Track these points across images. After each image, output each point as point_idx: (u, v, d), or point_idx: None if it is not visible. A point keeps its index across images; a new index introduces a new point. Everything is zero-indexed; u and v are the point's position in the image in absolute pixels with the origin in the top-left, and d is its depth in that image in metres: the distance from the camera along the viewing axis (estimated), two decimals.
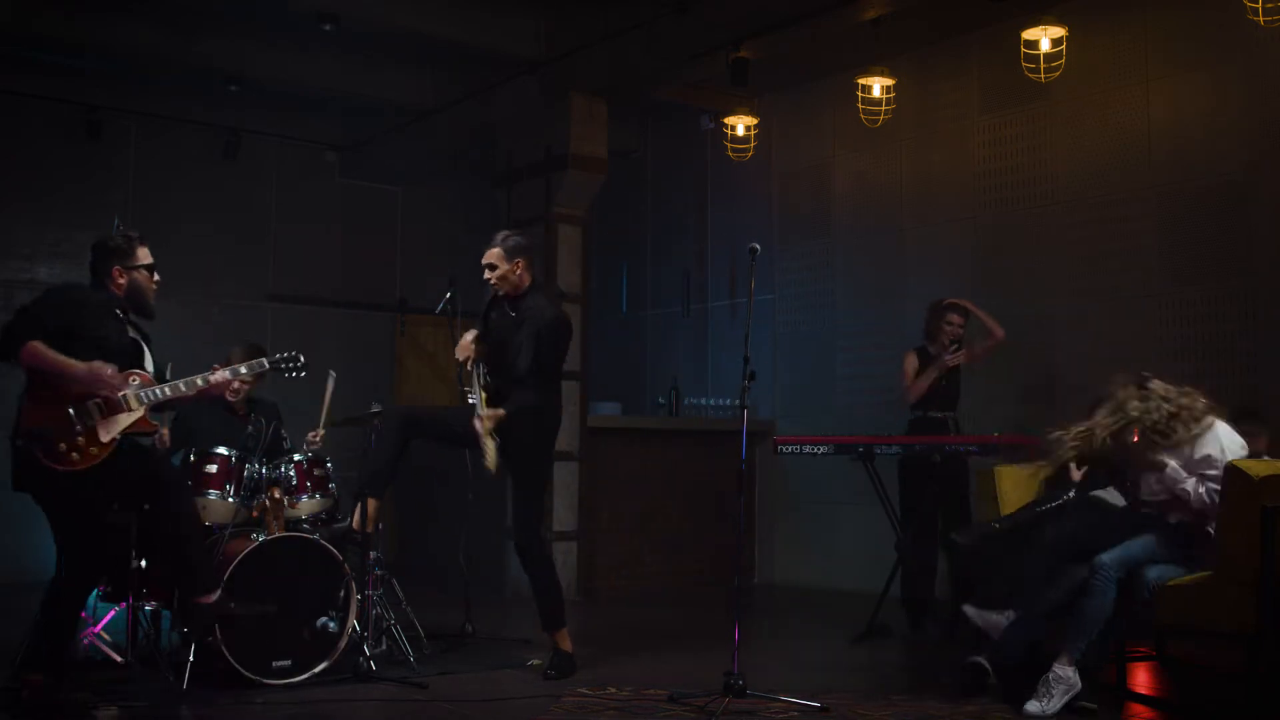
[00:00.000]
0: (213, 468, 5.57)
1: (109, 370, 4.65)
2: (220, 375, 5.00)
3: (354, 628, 5.46)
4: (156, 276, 5.11)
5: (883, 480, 6.76)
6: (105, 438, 4.64)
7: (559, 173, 8.64)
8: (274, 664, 5.20)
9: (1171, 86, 7.23)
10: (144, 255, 5.04)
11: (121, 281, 4.97)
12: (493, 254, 5.69)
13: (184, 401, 5.07)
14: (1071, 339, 7.60)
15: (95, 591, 5.70)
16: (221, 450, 5.60)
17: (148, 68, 8.97)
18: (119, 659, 5.26)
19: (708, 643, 6.27)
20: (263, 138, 10.04)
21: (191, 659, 5.04)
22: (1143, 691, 5.33)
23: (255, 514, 5.57)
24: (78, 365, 4.60)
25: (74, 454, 4.58)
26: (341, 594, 5.40)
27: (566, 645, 5.64)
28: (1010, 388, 7.76)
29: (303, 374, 5.33)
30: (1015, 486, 6.00)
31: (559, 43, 8.46)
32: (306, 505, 5.76)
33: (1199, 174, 7.06)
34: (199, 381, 4.97)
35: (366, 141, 10.26)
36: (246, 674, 5.10)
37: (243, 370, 5.22)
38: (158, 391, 4.82)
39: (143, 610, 5.42)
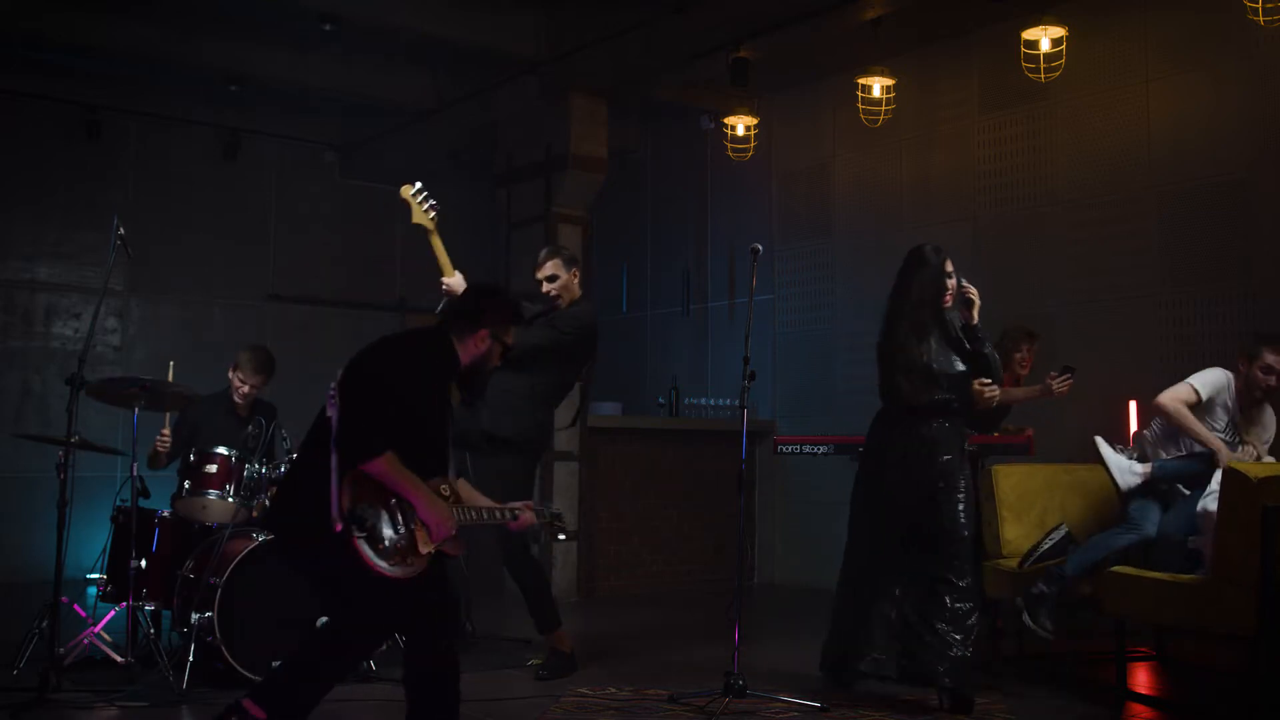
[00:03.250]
0: (213, 468, 5.56)
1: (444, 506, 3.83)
2: (527, 516, 4.13)
3: None
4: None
5: None
6: (424, 549, 3.73)
7: (559, 173, 8.65)
8: (274, 664, 5.18)
9: (1171, 86, 7.23)
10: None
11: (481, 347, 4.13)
12: (554, 264, 5.76)
13: None
14: (1071, 339, 7.60)
15: (95, 591, 5.72)
16: (221, 450, 5.60)
17: (148, 68, 8.97)
18: (119, 659, 5.25)
19: (708, 643, 6.26)
20: (263, 138, 10.04)
21: (191, 659, 5.04)
22: (1143, 691, 5.34)
23: (255, 514, 5.57)
24: (424, 496, 3.75)
25: (394, 558, 3.66)
26: None
27: (565, 646, 5.63)
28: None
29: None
30: (1014, 486, 6.00)
31: (559, 43, 8.45)
32: None
33: (1199, 174, 7.06)
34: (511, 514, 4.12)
35: (366, 141, 10.26)
36: (246, 674, 5.10)
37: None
38: (473, 513, 4.01)
39: (143, 610, 5.42)
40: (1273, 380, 5.40)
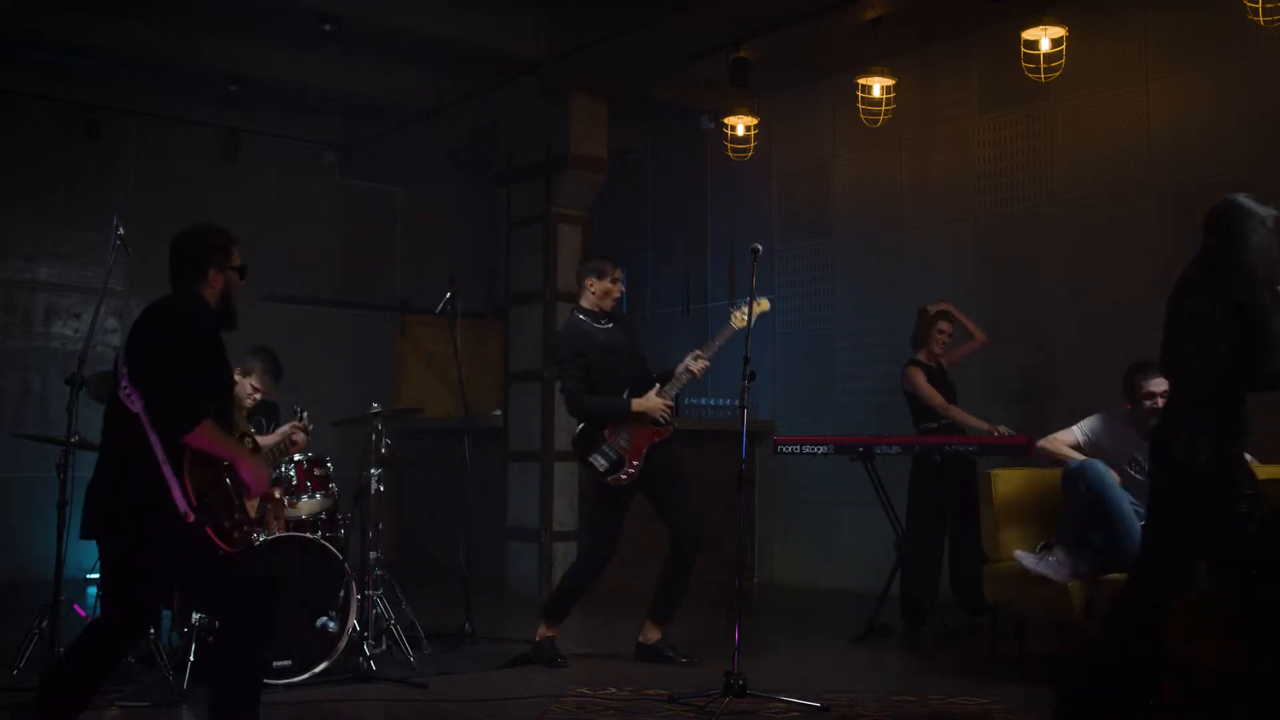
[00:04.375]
0: None
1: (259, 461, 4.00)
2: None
3: (354, 628, 5.46)
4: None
5: (882, 480, 6.76)
6: (255, 513, 4.05)
7: (559, 173, 8.65)
8: (274, 664, 5.19)
9: (1171, 86, 7.23)
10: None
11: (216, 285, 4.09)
12: (619, 272, 6.00)
13: None
14: (1071, 339, 7.60)
15: (95, 591, 5.72)
16: None
17: (148, 68, 8.97)
18: None
19: (708, 642, 6.26)
20: (263, 138, 10.05)
21: (192, 659, 5.04)
22: None
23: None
24: (244, 456, 3.92)
25: (236, 535, 3.80)
26: (341, 594, 5.40)
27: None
28: (1010, 388, 7.76)
29: None
30: (1011, 489, 5.98)
31: (559, 43, 8.46)
32: (306, 505, 5.76)
33: (1199, 174, 7.06)
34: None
35: (366, 141, 10.27)
36: None
37: None
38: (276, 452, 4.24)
39: None
40: (1158, 404, 5.26)
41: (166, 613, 5.56)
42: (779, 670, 5.64)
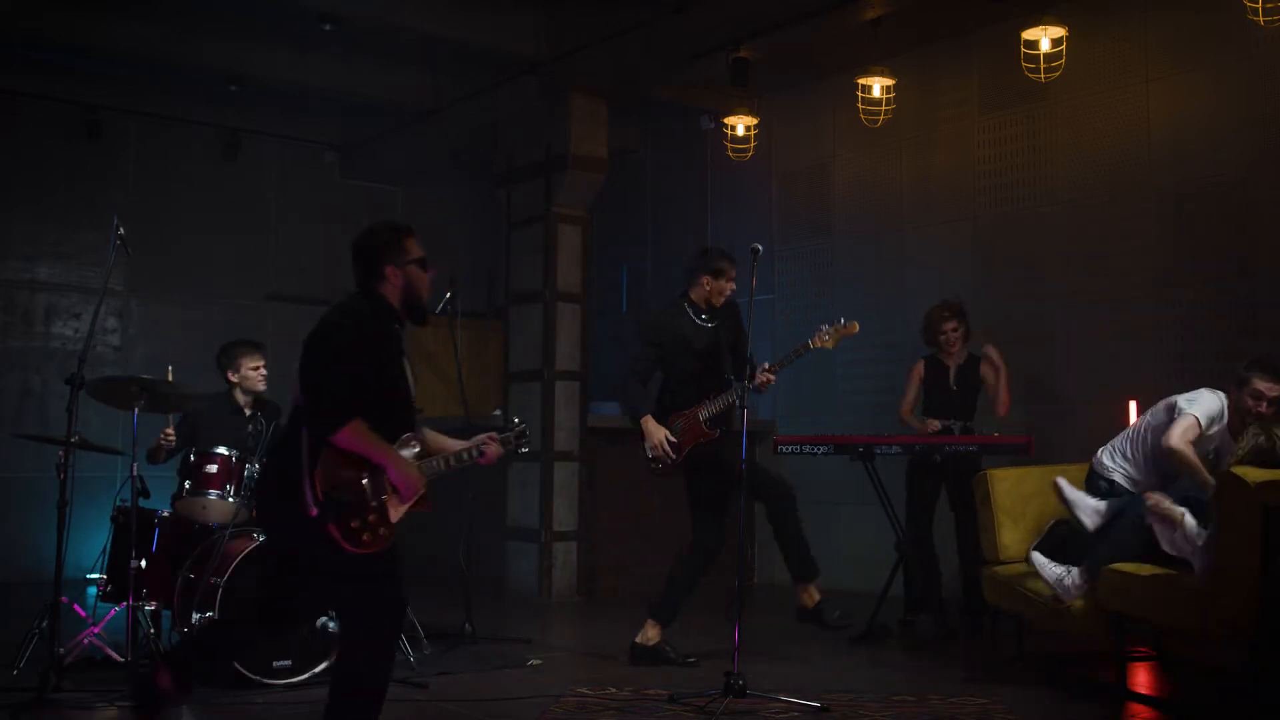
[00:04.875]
0: (213, 468, 5.57)
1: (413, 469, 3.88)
2: (494, 448, 4.12)
3: None
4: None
5: (882, 480, 6.76)
6: (395, 517, 3.82)
7: (559, 173, 8.65)
8: (274, 664, 5.20)
9: (1171, 86, 7.23)
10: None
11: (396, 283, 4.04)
12: (734, 271, 6.03)
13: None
14: (1071, 339, 7.60)
15: (95, 591, 5.73)
16: (221, 450, 5.60)
17: (148, 68, 8.97)
18: (119, 659, 5.26)
19: (708, 643, 6.26)
20: (263, 138, 10.05)
21: None
22: (1143, 691, 5.34)
23: (255, 514, 5.57)
24: (395, 459, 3.83)
25: (365, 536, 3.72)
26: None
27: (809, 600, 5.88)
28: (1009, 388, 7.75)
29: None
30: (1009, 491, 5.98)
31: (559, 43, 8.46)
32: None
33: (1199, 174, 7.06)
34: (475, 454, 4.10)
35: (366, 141, 10.26)
36: (247, 674, 5.10)
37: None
38: (440, 464, 4.02)
39: (143, 610, 5.42)
40: (1262, 407, 5.16)
41: (167, 612, 5.57)
42: (779, 670, 5.64)
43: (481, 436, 4.12)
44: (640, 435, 5.92)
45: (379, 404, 3.76)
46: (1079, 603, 5.22)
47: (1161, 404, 5.47)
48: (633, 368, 5.94)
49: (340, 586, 3.75)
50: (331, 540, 3.61)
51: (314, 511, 3.59)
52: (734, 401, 5.70)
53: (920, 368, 7.15)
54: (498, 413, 9.08)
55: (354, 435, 3.64)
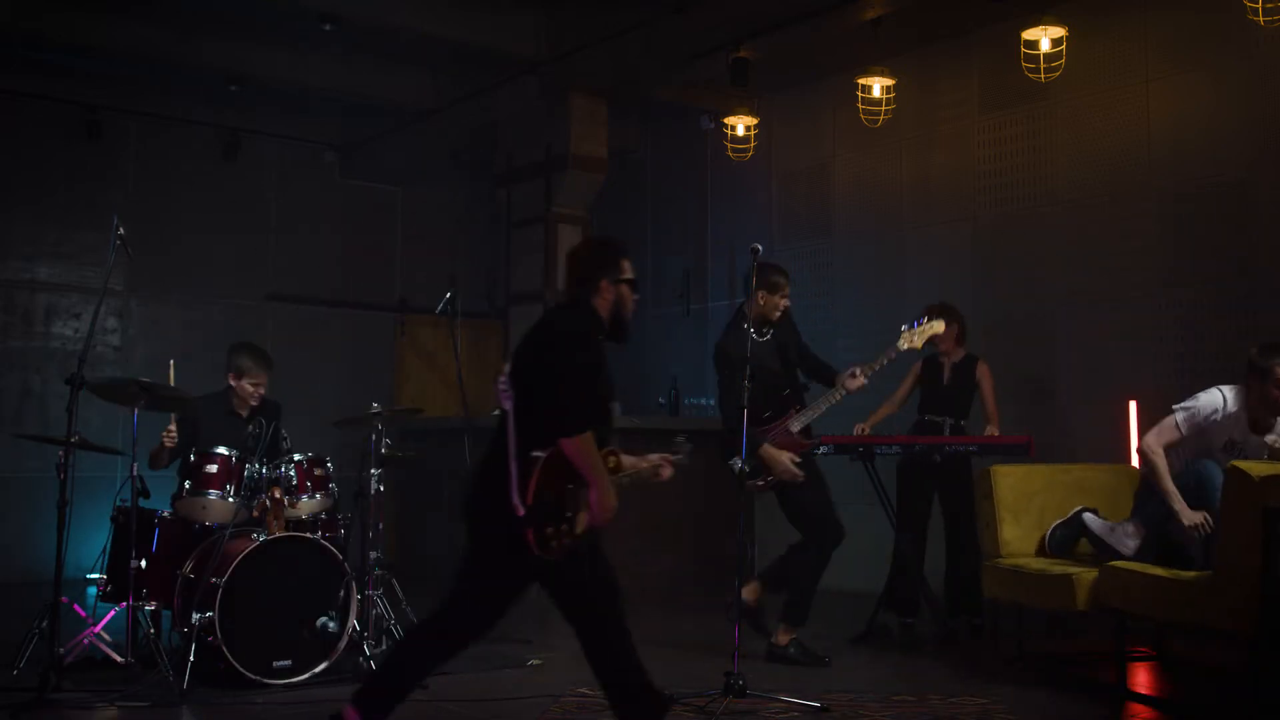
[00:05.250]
0: (213, 468, 5.56)
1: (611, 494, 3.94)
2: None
3: (354, 628, 5.46)
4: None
5: (882, 480, 6.76)
6: (579, 529, 3.87)
7: (559, 173, 8.65)
8: (274, 664, 5.20)
9: (1171, 86, 7.23)
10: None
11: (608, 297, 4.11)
12: (789, 287, 6.11)
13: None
14: (1071, 339, 7.60)
15: (95, 591, 5.73)
16: (222, 450, 5.60)
17: (148, 68, 8.97)
18: (119, 659, 5.26)
19: (708, 643, 6.26)
20: (263, 138, 10.05)
21: (192, 659, 5.04)
22: (1143, 691, 5.34)
23: (255, 514, 5.57)
24: (602, 479, 3.89)
25: (554, 543, 3.79)
26: (341, 594, 5.40)
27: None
28: (1009, 388, 7.75)
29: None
30: (1013, 487, 6.00)
31: (559, 43, 8.46)
32: (306, 505, 5.76)
33: (1199, 174, 7.06)
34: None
35: (366, 141, 10.27)
36: (247, 674, 5.10)
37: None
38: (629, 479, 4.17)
39: (143, 610, 5.42)
40: None
41: (167, 612, 5.57)
42: (779, 670, 5.64)
43: (656, 458, 4.31)
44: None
45: (596, 414, 3.86)
46: (1079, 578, 5.25)
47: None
48: (736, 404, 5.58)
49: (558, 585, 3.87)
50: (524, 542, 3.70)
51: (520, 512, 3.68)
52: (824, 408, 5.94)
53: (918, 366, 7.16)
54: (497, 413, 9.07)
55: (582, 446, 3.74)
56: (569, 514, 3.77)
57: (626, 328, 4.10)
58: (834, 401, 5.91)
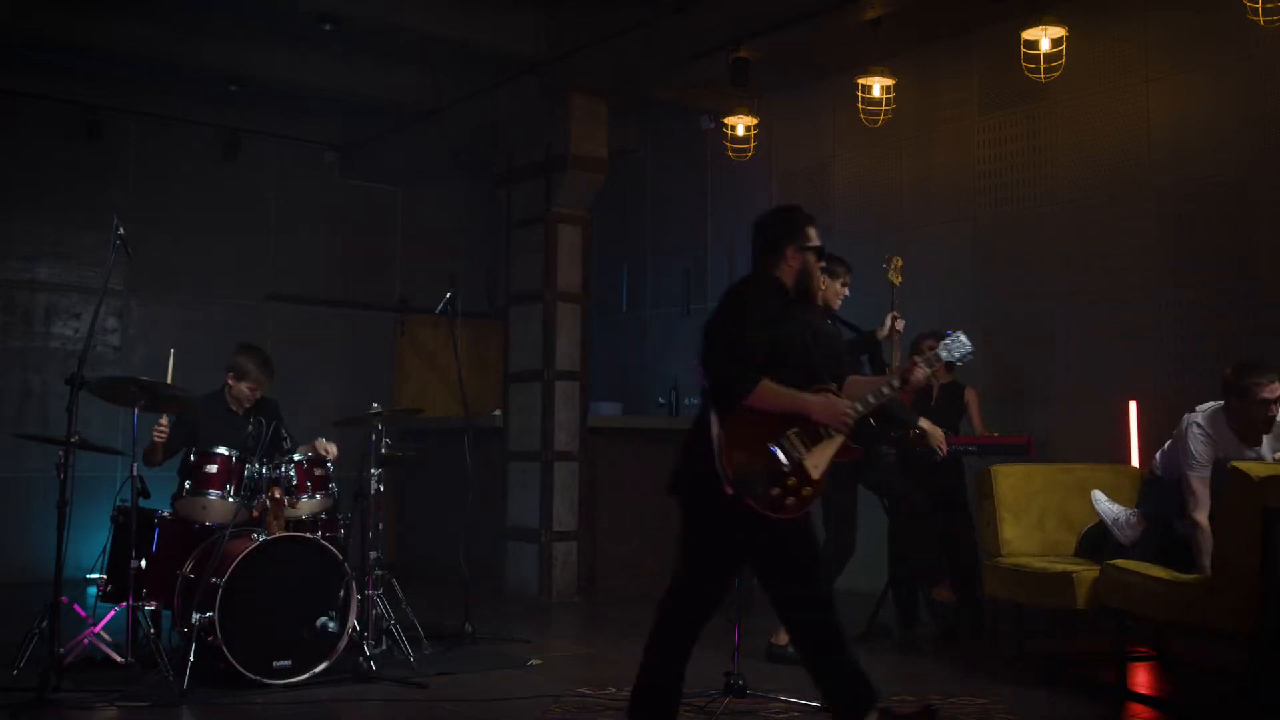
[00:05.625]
0: (213, 468, 5.56)
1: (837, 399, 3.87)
2: (920, 372, 3.94)
3: (354, 628, 5.46)
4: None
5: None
6: (817, 474, 3.82)
7: (559, 173, 8.65)
8: (274, 664, 5.20)
9: (1171, 86, 7.23)
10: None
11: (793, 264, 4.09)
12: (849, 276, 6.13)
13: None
14: (1071, 339, 7.60)
15: (95, 591, 5.73)
16: (222, 450, 5.60)
17: (148, 68, 8.97)
18: (119, 659, 5.26)
19: (708, 643, 6.25)
20: (263, 138, 10.05)
21: (192, 659, 5.04)
22: (1143, 691, 5.34)
23: (255, 514, 5.57)
24: (813, 400, 3.84)
25: (789, 500, 3.76)
26: (341, 594, 5.40)
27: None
28: (1010, 388, 7.76)
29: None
30: (1013, 487, 6.00)
31: (559, 43, 8.46)
32: (306, 505, 5.76)
33: (1199, 174, 7.06)
34: (896, 384, 3.96)
35: (366, 141, 10.27)
36: (247, 674, 5.10)
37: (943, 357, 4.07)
38: (863, 403, 3.90)
39: (143, 610, 5.43)
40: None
41: (167, 612, 5.57)
42: (779, 670, 5.64)
43: (904, 364, 4.07)
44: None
45: (780, 371, 3.81)
46: (1079, 575, 5.29)
47: (1182, 429, 5.27)
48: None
49: (782, 548, 3.85)
50: (752, 511, 3.70)
51: (729, 491, 3.69)
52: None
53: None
54: (497, 413, 9.09)
55: (763, 393, 3.74)
56: (788, 467, 3.75)
57: (813, 294, 4.11)
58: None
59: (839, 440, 3.84)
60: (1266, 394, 5.01)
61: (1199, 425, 5.16)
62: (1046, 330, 7.72)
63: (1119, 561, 5.23)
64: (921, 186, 8.61)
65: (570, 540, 8.52)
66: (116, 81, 9.23)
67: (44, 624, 5.27)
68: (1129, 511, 5.47)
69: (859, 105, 7.93)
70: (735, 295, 3.97)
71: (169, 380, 5.94)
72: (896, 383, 3.94)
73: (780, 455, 3.75)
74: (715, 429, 3.73)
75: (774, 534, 3.80)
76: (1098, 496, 5.60)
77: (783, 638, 5.91)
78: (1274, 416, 5.08)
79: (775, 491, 3.71)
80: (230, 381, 6.13)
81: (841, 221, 9.15)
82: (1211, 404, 5.24)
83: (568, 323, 8.67)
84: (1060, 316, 7.68)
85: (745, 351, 3.79)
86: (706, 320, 3.99)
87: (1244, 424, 5.10)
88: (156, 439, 6.02)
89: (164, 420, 6.02)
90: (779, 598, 3.96)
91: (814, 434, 3.82)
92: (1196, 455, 5.12)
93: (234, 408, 6.13)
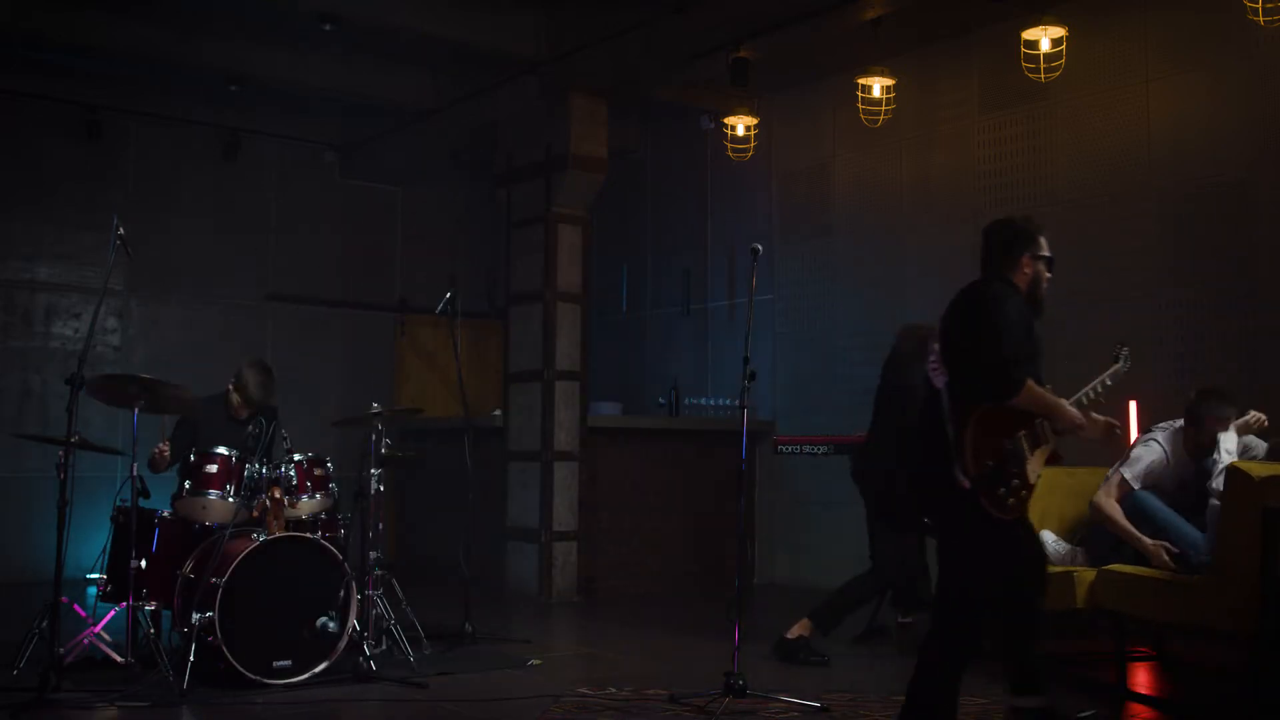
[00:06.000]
0: (213, 468, 5.56)
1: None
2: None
3: (354, 628, 5.46)
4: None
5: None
6: (1033, 478, 3.98)
7: (559, 173, 8.65)
8: (274, 664, 5.20)
9: (1171, 86, 7.23)
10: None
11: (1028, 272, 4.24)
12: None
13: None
14: (1071, 339, 7.59)
15: (95, 591, 5.73)
16: (222, 450, 5.60)
17: (148, 68, 8.97)
18: (119, 659, 5.26)
19: (708, 643, 6.27)
20: (263, 138, 10.05)
21: (192, 659, 5.04)
22: (1143, 691, 5.34)
23: (255, 514, 5.57)
24: (1064, 404, 4.12)
25: (1011, 501, 3.87)
26: (341, 594, 5.40)
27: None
28: None
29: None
30: None
31: (559, 43, 8.46)
32: (306, 505, 5.76)
33: (1199, 174, 7.06)
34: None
35: (366, 141, 10.27)
36: (247, 674, 5.10)
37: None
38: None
39: (143, 610, 5.42)
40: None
41: (167, 612, 5.57)
42: (779, 670, 5.64)
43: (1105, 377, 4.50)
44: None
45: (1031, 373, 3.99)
46: (1079, 575, 5.35)
47: (1141, 438, 5.67)
48: None
49: (970, 548, 3.93)
50: (982, 510, 3.79)
51: (966, 485, 3.78)
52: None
53: None
54: (497, 413, 9.09)
55: (1029, 393, 3.91)
56: (1014, 469, 3.87)
57: (1041, 302, 4.25)
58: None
59: (1050, 447, 4.06)
60: (1220, 429, 5.30)
61: (1157, 442, 5.49)
62: (1046, 330, 7.66)
63: (1119, 566, 5.23)
64: (921, 186, 8.61)
65: (570, 540, 8.52)
66: (116, 81, 9.23)
67: (44, 624, 5.27)
68: (1072, 549, 5.64)
69: (859, 105, 7.93)
70: (988, 299, 4.03)
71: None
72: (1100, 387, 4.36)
73: (1013, 455, 3.90)
74: (955, 428, 3.83)
75: (984, 536, 3.88)
76: (1047, 536, 5.66)
77: (797, 630, 5.91)
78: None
79: (1001, 491, 3.83)
80: (230, 388, 6.16)
81: (841, 221, 9.16)
82: (1170, 423, 5.54)
83: (568, 323, 8.67)
84: (1060, 316, 7.67)
85: (1014, 352, 3.91)
86: (948, 323, 4.06)
87: (1196, 448, 5.40)
88: (158, 458, 6.04)
89: (163, 445, 6.03)
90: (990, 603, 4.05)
91: (1034, 439, 3.99)
92: (1138, 459, 5.45)
93: (233, 413, 6.14)
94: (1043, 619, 4.10)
